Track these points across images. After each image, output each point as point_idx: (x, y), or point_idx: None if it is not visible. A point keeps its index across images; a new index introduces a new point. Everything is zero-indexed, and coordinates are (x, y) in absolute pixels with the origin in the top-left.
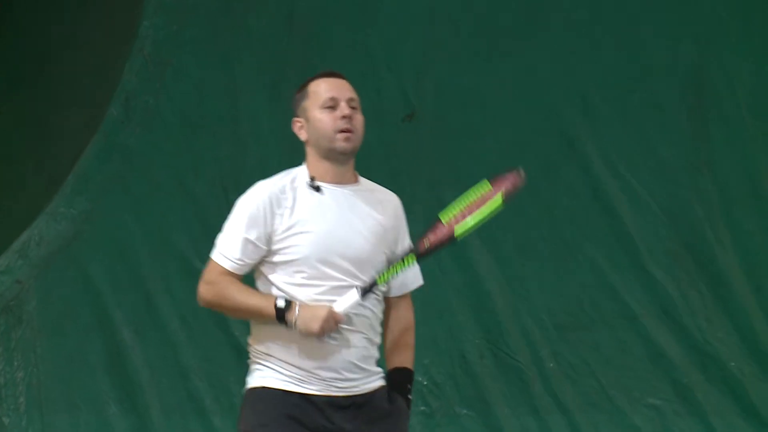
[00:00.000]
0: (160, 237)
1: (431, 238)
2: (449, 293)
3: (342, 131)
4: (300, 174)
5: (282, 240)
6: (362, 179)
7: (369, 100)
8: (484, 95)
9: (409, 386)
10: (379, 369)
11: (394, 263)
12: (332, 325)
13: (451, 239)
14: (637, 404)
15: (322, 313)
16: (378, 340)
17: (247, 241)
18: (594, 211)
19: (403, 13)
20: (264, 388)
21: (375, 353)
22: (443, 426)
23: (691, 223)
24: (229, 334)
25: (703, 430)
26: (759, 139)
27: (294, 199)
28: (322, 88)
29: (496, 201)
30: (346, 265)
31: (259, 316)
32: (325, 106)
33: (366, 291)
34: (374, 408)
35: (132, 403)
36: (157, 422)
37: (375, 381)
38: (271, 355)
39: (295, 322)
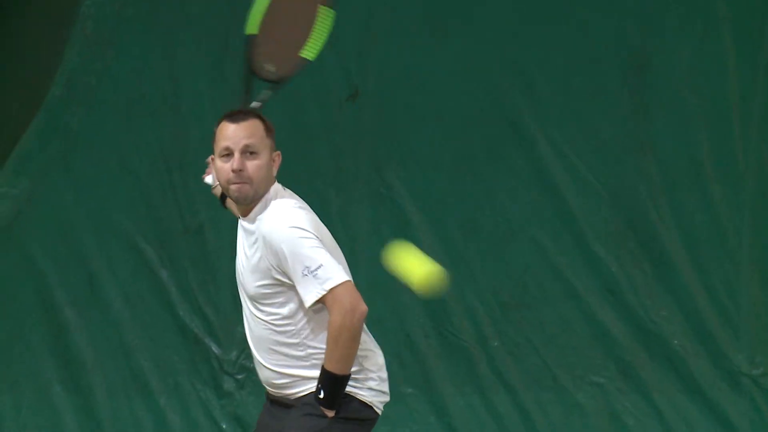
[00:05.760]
0: (102, 216)
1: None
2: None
3: (234, 183)
4: None
5: None
6: (260, 207)
7: (311, 79)
8: (427, 75)
9: (318, 385)
10: (307, 379)
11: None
12: None
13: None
14: (581, 382)
15: None
16: (297, 353)
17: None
18: (537, 191)
19: None
20: None
21: (297, 371)
22: (388, 406)
23: (634, 203)
24: (173, 314)
25: (646, 407)
26: (700, 118)
27: None
28: (221, 135)
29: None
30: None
31: None
32: (221, 155)
33: None
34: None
35: (76, 384)
36: (102, 402)
37: (299, 390)
38: None
39: None
